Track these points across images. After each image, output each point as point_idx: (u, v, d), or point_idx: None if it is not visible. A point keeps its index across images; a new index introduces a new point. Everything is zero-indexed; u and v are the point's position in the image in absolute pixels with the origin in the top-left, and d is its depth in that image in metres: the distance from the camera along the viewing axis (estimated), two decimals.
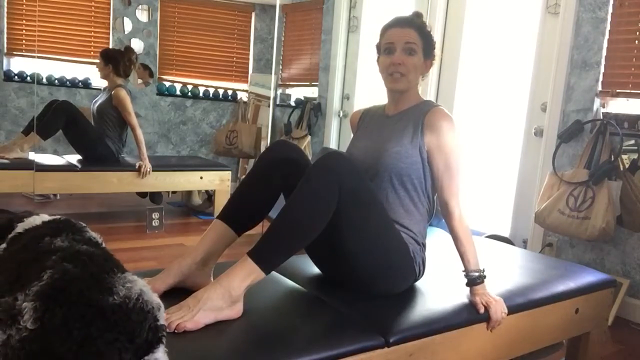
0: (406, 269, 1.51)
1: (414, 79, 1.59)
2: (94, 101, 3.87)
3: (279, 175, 1.47)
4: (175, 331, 1.14)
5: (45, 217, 1.21)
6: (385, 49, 1.58)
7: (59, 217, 1.22)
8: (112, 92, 3.69)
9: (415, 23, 1.58)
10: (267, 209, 1.50)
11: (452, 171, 1.54)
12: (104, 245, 1.17)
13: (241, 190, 1.50)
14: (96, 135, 3.69)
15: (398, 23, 1.58)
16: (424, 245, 1.62)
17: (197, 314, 1.18)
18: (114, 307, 0.87)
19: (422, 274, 1.60)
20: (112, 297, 0.88)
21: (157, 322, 0.92)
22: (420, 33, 1.57)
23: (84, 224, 1.21)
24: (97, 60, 3.82)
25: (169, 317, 1.15)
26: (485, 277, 1.52)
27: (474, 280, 1.52)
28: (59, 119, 3.52)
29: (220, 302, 1.21)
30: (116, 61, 3.73)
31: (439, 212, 3.51)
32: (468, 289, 1.54)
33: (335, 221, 1.32)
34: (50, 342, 0.82)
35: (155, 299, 0.95)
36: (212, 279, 1.41)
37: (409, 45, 1.54)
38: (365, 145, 1.64)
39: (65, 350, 0.81)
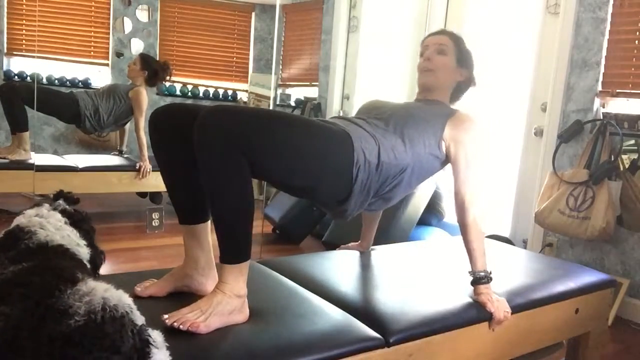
0: (344, 164, 1.40)
1: (442, 77, 1.69)
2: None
3: (184, 152, 1.33)
4: (189, 329, 1.15)
5: (20, 220, 1.10)
6: (421, 53, 1.74)
7: (11, 226, 1.09)
8: (134, 88, 3.79)
9: (448, 32, 1.76)
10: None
11: (471, 168, 1.58)
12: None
13: (169, 187, 1.42)
14: (64, 94, 3.71)
15: (435, 32, 1.78)
16: (376, 165, 1.45)
17: (209, 317, 1.19)
18: (81, 329, 0.77)
19: (365, 185, 1.45)
20: (72, 320, 0.78)
21: (135, 326, 0.84)
22: (453, 39, 1.72)
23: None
24: (101, 61, 3.85)
25: (181, 317, 1.17)
26: (491, 279, 1.53)
27: (479, 280, 1.52)
28: (12, 104, 3.46)
29: (229, 306, 1.23)
30: (154, 71, 3.85)
31: (439, 213, 3.51)
32: (469, 289, 1.55)
33: (258, 170, 1.27)
34: None
35: (124, 300, 0.86)
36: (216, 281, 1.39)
37: (440, 47, 1.70)
38: (388, 103, 1.69)
39: None
